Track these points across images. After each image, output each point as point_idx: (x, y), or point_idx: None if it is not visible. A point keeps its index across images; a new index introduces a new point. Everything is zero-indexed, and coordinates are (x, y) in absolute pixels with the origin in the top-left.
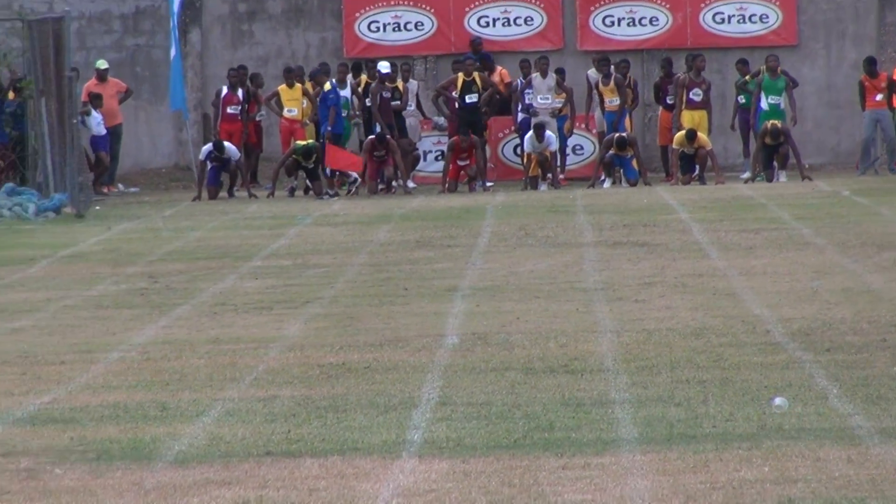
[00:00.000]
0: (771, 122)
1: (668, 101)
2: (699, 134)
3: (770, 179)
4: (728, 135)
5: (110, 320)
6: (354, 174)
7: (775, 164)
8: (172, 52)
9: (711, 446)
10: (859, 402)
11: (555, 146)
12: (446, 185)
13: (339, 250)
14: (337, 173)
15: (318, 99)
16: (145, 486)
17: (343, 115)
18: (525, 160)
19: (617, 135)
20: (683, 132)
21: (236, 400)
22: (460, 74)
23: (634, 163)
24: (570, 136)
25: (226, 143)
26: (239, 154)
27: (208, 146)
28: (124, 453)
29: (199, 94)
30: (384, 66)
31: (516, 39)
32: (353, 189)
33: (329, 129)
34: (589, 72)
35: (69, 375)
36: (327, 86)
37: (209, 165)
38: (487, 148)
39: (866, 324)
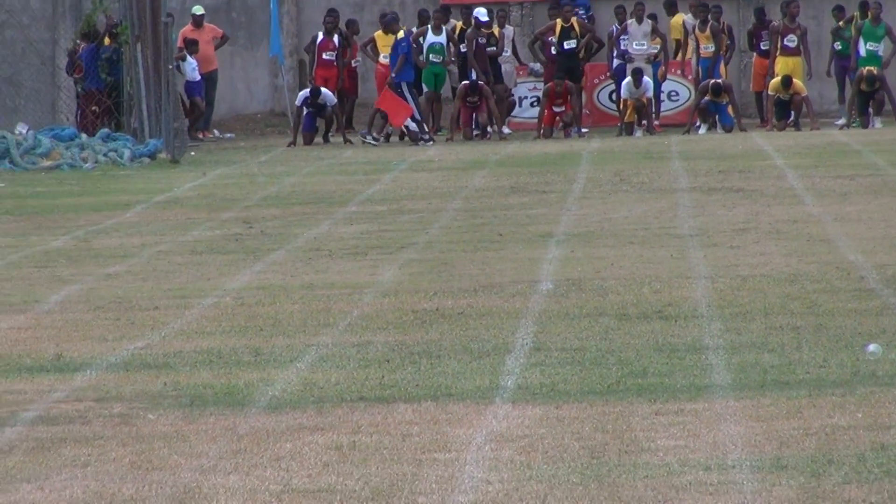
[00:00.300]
0: (867, 68)
1: (763, 48)
2: (794, 80)
3: (865, 126)
4: (823, 81)
5: (205, 266)
6: (411, 124)
7: (870, 110)
8: None
9: (805, 392)
10: None
11: (651, 92)
12: (541, 131)
13: (433, 196)
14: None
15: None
16: (238, 431)
17: (438, 60)
18: (621, 106)
19: (712, 81)
20: (779, 78)
21: (330, 345)
22: (558, 21)
23: (730, 109)
24: (665, 81)
25: (322, 90)
26: (335, 100)
27: (304, 92)
28: (217, 399)
29: (294, 40)
30: (482, 14)
31: None
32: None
33: (394, 76)
34: (685, 17)
35: (163, 321)
36: (400, 34)
37: (305, 111)
38: (583, 94)
39: None
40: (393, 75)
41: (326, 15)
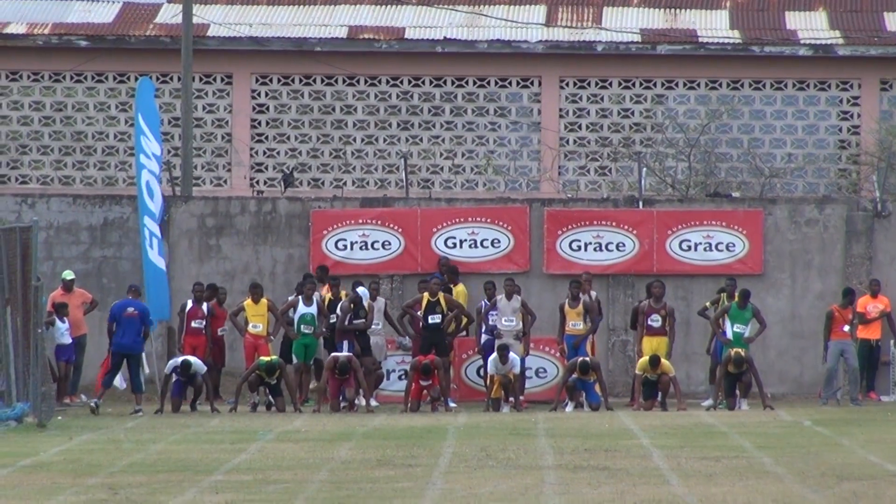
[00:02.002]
0: (734, 350)
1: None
2: (662, 360)
3: (731, 407)
4: (691, 362)
5: None
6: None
7: (737, 391)
8: (162, 262)
9: None
10: None
11: (518, 368)
12: (409, 405)
13: (299, 467)
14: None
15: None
16: None
17: (309, 331)
18: (488, 381)
19: (580, 359)
20: (646, 358)
21: None
22: (425, 294)
23: (597, 387)
24: (527, 356)
25: (192, 361)
26: (205, 368)
27: (175, 360)
28: None
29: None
30: (365, 294)
31: (483, 261)
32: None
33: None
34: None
35: None
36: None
37: (174, 378)
38: (451, 368)
39: None
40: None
41: (195, 284)
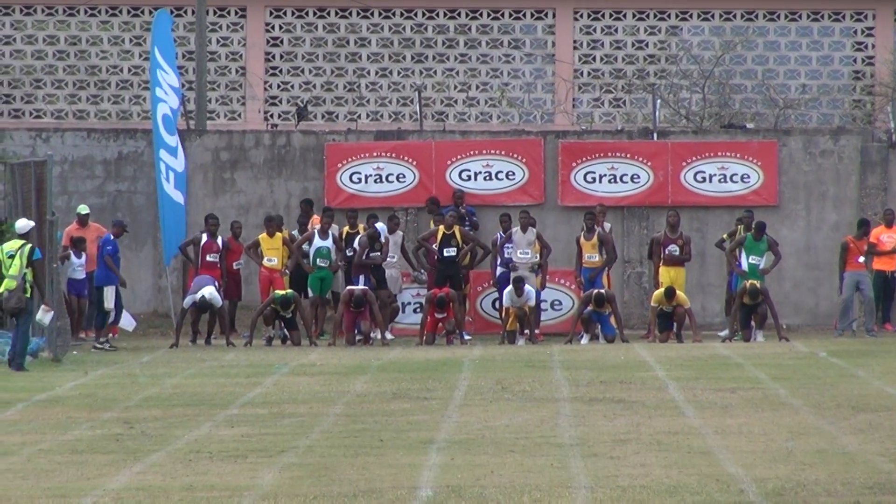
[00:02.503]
0: (749, 281)
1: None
2: (678, 292)
3: (747, 339)
4: (706, 293)
5: (85, 465)
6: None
7: (753, 323)
8: (181, 196)
9: None
10: None
11: (533, 301)
12: (424, 338)
13: (315, 400)
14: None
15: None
16: None
17: (325, 265)
18: (503, 314)
19: (595, 291)
20: (662, 290)
21: None
22: (440, 227)
23: (612, 319)
24: (543, 290)
25: (208, 295)
26: (221, 301)
27: (193, 295)
28: None
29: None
30: (383, 229)
31: (498, 194)
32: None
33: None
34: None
35: None
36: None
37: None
38: (466, 301)
39: (840, 486)
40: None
41: (209, 217)
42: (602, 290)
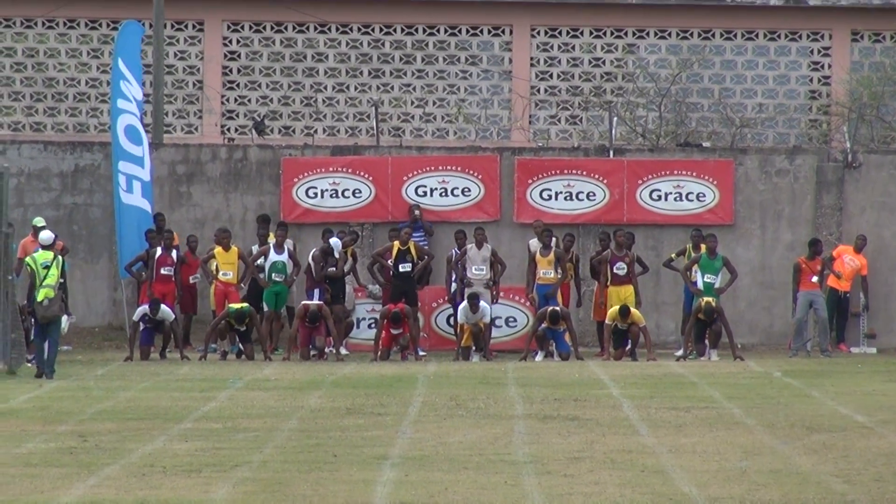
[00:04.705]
0: (705, 299)
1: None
2: (633, 310)
3: (701, 353)
4: (661, 311)
5: (39, 478)
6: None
7: (707, 341)
8: (148, 205)
9: None
10: None
11: (488, 317)
12: (379, 353)
13: (269, 415)
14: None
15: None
16: None
17: (280, 279)
18: (458, 330)
19: (550, 308)
20: (616, 308)
21: None
22: (395, 242)
23: (567, 336)
24: (495, 303)
25: (161, 305)
26: (173, 315)
27: (143, 307)
28: None
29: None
30: (337, 244)
31: (453, 210)
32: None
33: None
34: (531, 241)
35: None
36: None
37: (142, 326)
38: (421, 317)
39: None
40: None
41: (164, 231)
42: (557, 308)
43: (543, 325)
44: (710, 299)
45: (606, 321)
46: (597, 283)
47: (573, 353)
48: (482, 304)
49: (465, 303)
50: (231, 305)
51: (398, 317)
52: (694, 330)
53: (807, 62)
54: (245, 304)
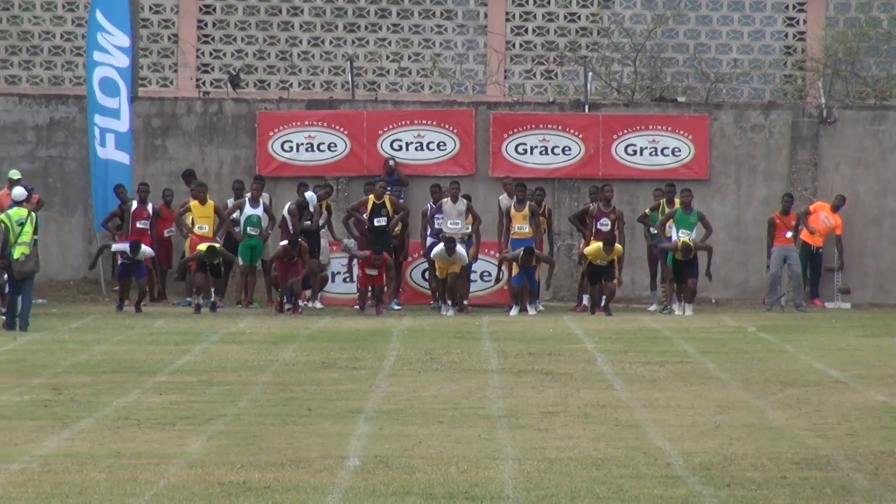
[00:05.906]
0: (682, 239)
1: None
2: (616, 244)
3: (673, 291)
4: (636, 266)
5: (13, 431)
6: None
7: (682, 296)
8: (126, 157)
9: None
10: None
11: (465, 261)
12: (360, 292)
13: (243, 369)
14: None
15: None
16: None
17: (255, 233)
18: (433, 283)
19: (524, 247)
20: (600, 244)
21: None
22: (371, 196)
23: (537, 273)
24: (476, 261)
25: (141, 245)
26: (153, 252)
27: (122, 244)
28: None
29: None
30: (312, 198)
31: (429, 164)
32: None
33: None
34: (501, 197)
35: None
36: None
37: (120, 260)
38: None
39: (767, 460)
40: None
41: (140, 184)
42: (532, 247)
43: (518, 281)
44: (687, 238)
45: (589, 258)
46: (582, 239)
47: (540, 290)
48: (459, 248)
49: (441, 245)
50: (199, 246)
51: (378, 261)
52: (672, 270)
53: (782, 17)
54: (215, 244)
